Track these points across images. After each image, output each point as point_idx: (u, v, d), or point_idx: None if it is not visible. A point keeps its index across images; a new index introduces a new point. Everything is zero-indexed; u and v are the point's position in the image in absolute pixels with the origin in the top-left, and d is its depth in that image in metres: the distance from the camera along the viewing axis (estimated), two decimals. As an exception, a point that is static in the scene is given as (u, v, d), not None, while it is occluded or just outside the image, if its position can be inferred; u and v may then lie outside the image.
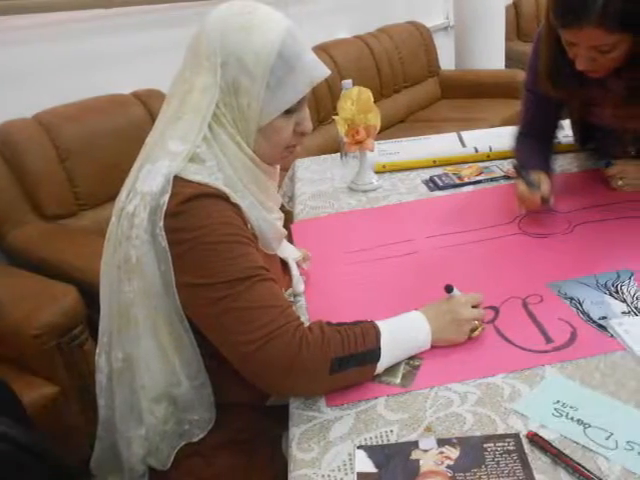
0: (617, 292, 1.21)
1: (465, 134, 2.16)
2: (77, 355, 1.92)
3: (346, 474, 0.89)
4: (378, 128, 1.74)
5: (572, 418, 0.92)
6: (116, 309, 1.07)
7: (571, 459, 0.84)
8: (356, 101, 1.69)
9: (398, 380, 1.05)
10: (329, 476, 0.89)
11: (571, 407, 0.94)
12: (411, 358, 1.09)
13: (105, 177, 2.51)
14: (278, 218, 1.17)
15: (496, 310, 1.21)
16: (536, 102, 1.69)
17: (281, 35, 1.02)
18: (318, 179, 2.03)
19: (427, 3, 5.50)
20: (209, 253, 0.97)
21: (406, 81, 4.65)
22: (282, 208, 1.22)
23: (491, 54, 5.01)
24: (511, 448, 0.88)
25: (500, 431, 0.92)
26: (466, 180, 1.85)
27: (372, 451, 0.91)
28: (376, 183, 1.88)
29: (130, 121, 2.67)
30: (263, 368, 0.98)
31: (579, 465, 0.83)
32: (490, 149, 2.00)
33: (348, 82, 1.82)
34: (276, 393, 1.14)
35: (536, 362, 1.05)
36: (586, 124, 1.75)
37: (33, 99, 2.51)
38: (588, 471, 0.82)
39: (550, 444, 0.87)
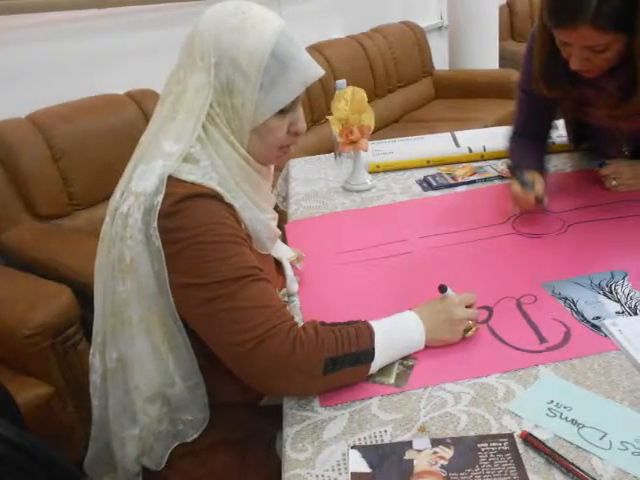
0: (611, 292, 1.21)
1: (459, 134, 2.16)
2: (71, 355, 1.91)
3: (340, 474, 0.89)
4: (372, 128, 1.74)
5: (566, 418, 0.92)
6: (110, 309, 1.06)
7: (565, 459, 0.84)
8: (350, 101, 1.69)
9: (392, 380, 1.05)
10: (323, 476, 0.89)
11: (565, 407, 0.95)
12: (405, 358, 1.09)
13: (99, 177, 2.50)
14: (272, 218, 1.16)
15: (490, 310, 1.21)
16: (530, 102, 1.69)
17: (275, 35, 1.02)
18: (312, 179, 2.03)
19: (421, 3, 5.52)
20: (203, 253, 0.97)
21: (400, 81, 4.65)
22: (276, 208, 1.22)
23: (485, 54, 5.01)
24: (505, 448, 0.88)
25: (494, 431, 0.92)
26: (460, 180, 1.85)
27: (366, 451, 0.91)
28: (370, 183, 1.88)
29: (124, 121, 2.67)
30: (257, 368, 0.97)
31: (573, 465, 0.83)
32: (484, 149, 2.00)
33: (342, 82, 1.81)
34: (270, 393, 1.14)
35: (530, 362, 1.05)
36: (580, 124, 1.75)
37: (27, 99, 2.50)
38: (582, 471, 0.82)
39: (544, 444, 0.87)
